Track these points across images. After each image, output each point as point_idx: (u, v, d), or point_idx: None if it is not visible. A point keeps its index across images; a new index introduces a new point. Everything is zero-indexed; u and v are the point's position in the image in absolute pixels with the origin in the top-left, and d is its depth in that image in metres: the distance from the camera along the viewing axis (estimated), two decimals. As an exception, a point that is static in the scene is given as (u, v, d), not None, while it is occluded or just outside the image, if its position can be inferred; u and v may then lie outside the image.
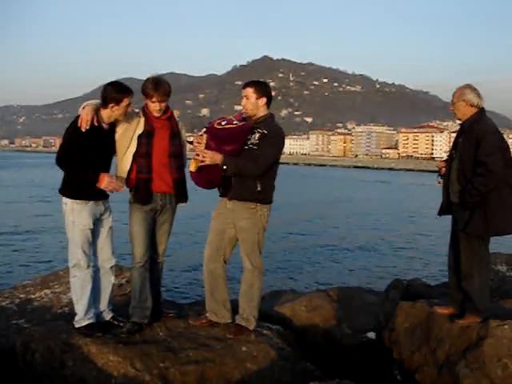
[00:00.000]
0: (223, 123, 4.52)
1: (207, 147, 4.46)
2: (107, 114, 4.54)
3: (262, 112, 4.68)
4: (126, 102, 4.50)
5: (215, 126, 4.53)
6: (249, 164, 4.47)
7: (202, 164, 4.44)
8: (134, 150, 4.63)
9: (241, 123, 4.52)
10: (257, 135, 4.54)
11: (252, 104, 4.64)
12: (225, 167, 4.43)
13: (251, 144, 4.53)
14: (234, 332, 4.72)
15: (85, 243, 4.58)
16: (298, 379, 4.44)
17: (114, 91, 4.49)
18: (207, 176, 4.57)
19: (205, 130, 4.58)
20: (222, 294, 4.88)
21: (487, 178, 4.53)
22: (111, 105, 4.48)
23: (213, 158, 4.41)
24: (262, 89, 4.68)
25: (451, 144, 5.10)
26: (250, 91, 4.64)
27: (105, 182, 4.44)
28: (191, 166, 4.50)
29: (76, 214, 4.52)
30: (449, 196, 4.91)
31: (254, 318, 4.82)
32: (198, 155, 4.45)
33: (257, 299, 4.83)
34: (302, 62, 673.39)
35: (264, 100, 4.66)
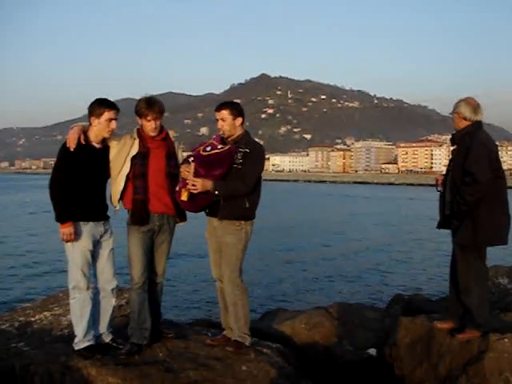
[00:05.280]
0: (208, 149, 4.61)
1: (196, 175, 4.51)
2: (93, 132, 4.60)
3: (238, 131, 4.78)
4: (106, 115, 4.53)
5: (201, 152, 4.61)
6: (238, 185, 4.55)
7: (194, 192, 4.48)
8: (128, 171, 4.65)
9: (226, 147, 4.60)
10: (239, 155, 4.62)
11: (229, 125, 4.73)
12: (216, 192, 4.49)
13: (235, 164, 4.60)
14: (233, 345, 4.76)
15: (84, 265, 4.58)
16: (298, 397, 4.41)
17: (95, 105, 4.56)
18: (199, 203, 4.63)
19: (192, 158, 4.63)
20: None
21: (473, 188, 4.55)
22: (93, 118, 4.54)
23: (204, 185, 4.46)
24: (237, 109, 4.78)
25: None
26: (225, 113, 4.72)
27: (66, 231, 4.46)
28: (183, 196, 4.54)
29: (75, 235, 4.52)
30: (444, 208, 4.93)
31: (247, 335, 4.83)
32: (187, 184, 4.49)
33: (243, 317, 4.81)
34: (300, 78, 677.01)
35: (240, 120, 4.77)
